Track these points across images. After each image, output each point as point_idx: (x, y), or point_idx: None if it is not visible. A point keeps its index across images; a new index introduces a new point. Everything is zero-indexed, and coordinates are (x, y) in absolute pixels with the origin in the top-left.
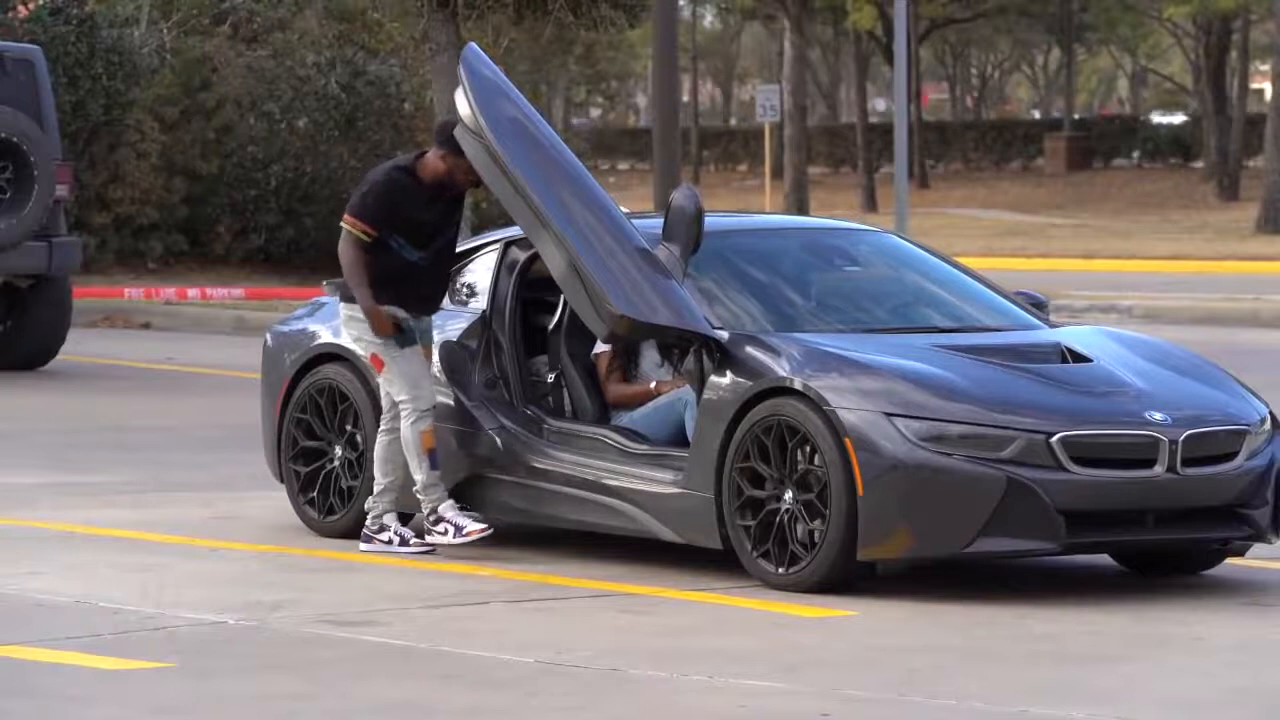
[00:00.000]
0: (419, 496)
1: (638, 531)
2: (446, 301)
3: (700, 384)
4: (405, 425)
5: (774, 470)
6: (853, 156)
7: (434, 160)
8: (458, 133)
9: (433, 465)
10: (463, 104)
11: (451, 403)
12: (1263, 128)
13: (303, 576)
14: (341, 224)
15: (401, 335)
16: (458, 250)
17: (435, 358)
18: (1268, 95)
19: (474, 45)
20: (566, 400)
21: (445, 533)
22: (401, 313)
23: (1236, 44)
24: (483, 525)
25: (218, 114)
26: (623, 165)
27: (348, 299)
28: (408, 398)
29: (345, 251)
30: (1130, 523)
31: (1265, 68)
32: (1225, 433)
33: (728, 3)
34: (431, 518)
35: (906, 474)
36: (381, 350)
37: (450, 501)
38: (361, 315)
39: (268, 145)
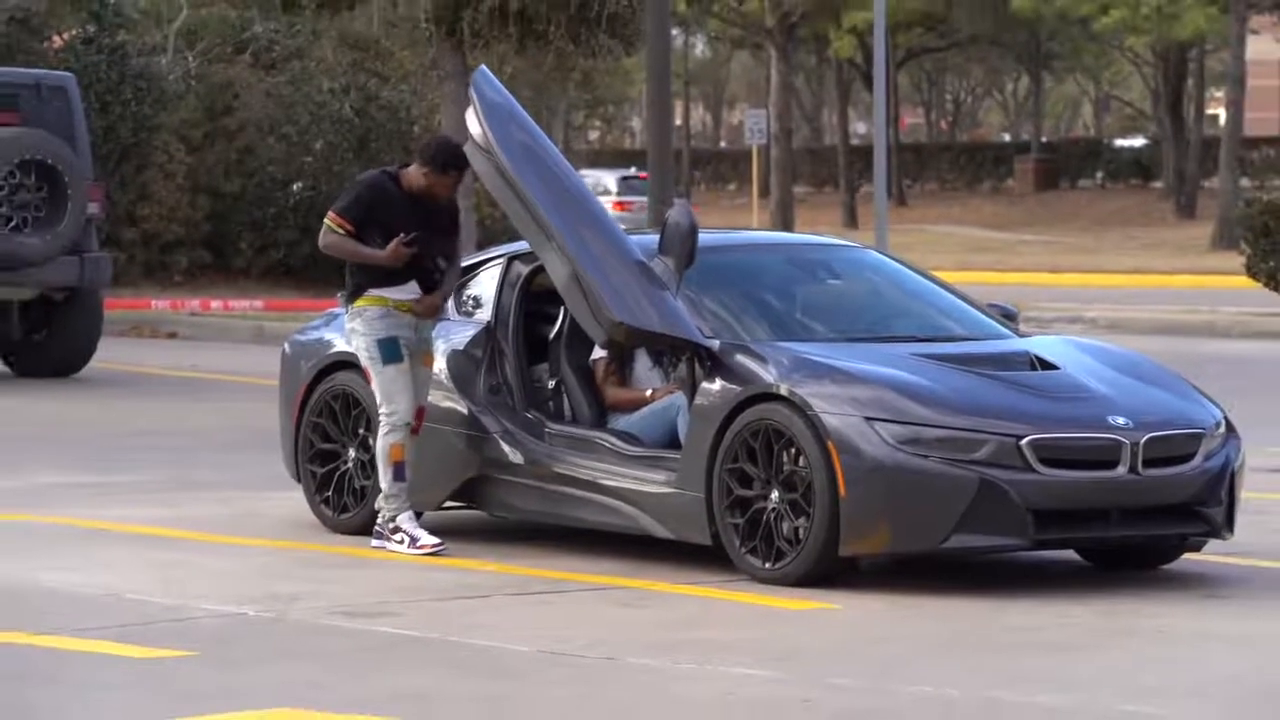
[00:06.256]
0: (380, 504)
1: (633, 528)
2: (453, 312)
3: (692, 390)
4: (379, 435)
5: (761, 471)
6: (835, 177)
7: (415, 174)
8: (468, 149)
9: (397, 476)
10: (473, 123)
11: (458, 408)
12: (1218, 150)
13: (319, 570)
14: (325, 220)
15: (394, 352)
16: (464, 264)
17: (443, 365)
18: (1222, 120)
19: (484, 68)
20: (566, 405)
21: (402, 542)
22: (405, 242)
23: (1193, 72)
24: (436, 540)
25: (239, 136)
26: None
27: (350, 299)
28: (384, 411)
29: (327, 240)
30: (1095, 520)
31: (1219, 94)
32: (1183, 436)
33: (718, 32)
34: (390, 525)
35: (886, 475)
36: (369, 364)
37: (409, 513)
38: (361, 329)
39: (286, 166)
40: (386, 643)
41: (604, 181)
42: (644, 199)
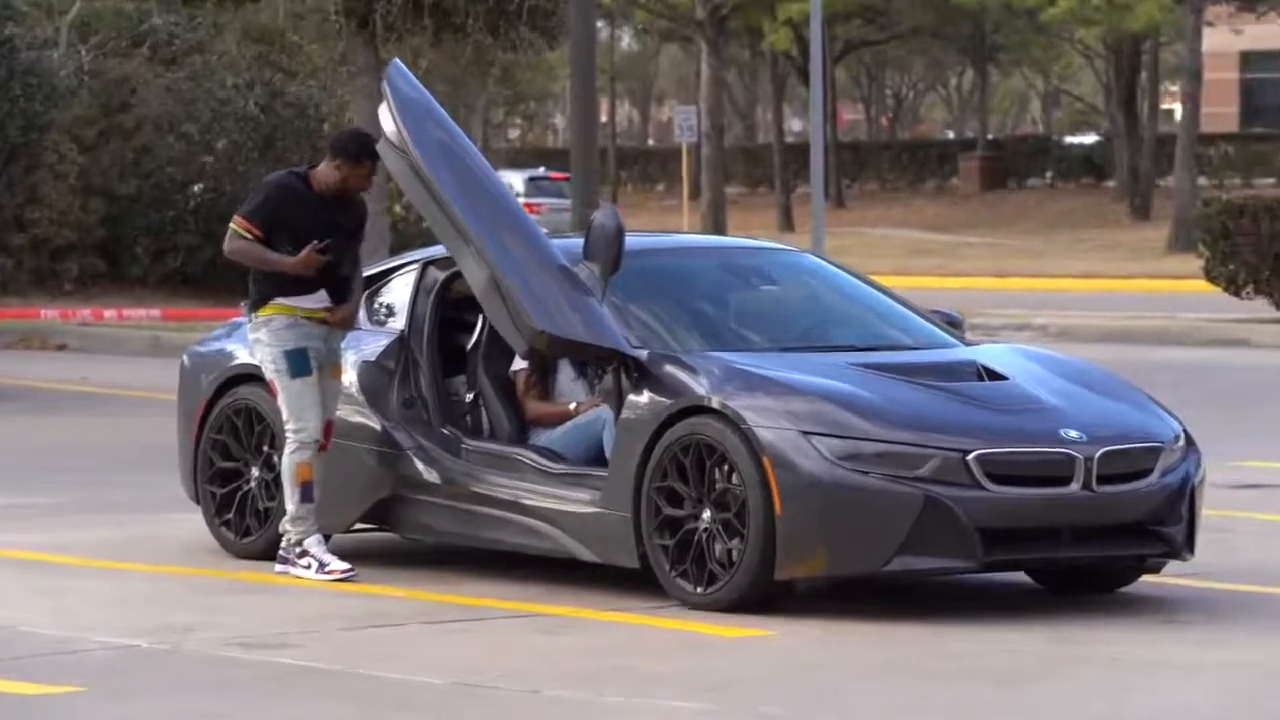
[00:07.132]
0: (286, 526)
1: (556, 551)
2: (364, 321)
3: (618, 403)
4: (285, 453)
5: (692, 489)
6: (769, 176)
7: (327, 171)
8: (381, 148)
9: (304, 497)
10: (387, 120)
11: (369, 423)
12: (1173, 148)
13: (217, 598)
14: (230, 225)
15: (302, 364)
16: (377, 270)
17: (354, 377)
18: (1177, 115)
19: (398, 62)
20: (485, 419)
21: (309, 567)
22: (319, 249)
23: (1146, 65)
24: (346, 566)
25: (136, 135)
26: None
27: (254, 308)
28: (291, 428)
29: (234, 246)
30: (1047, 540)
31: (1175, 88)
32: (1140, 450)
33: (645, 24)
34: (296, 550)
35: (824, 492)
36: (275, 377)
37: (317, 536)
38: (266, 339)
39: (186, 166)
40: (288, 674)
41: (511, 182)
42: (554, 200)
